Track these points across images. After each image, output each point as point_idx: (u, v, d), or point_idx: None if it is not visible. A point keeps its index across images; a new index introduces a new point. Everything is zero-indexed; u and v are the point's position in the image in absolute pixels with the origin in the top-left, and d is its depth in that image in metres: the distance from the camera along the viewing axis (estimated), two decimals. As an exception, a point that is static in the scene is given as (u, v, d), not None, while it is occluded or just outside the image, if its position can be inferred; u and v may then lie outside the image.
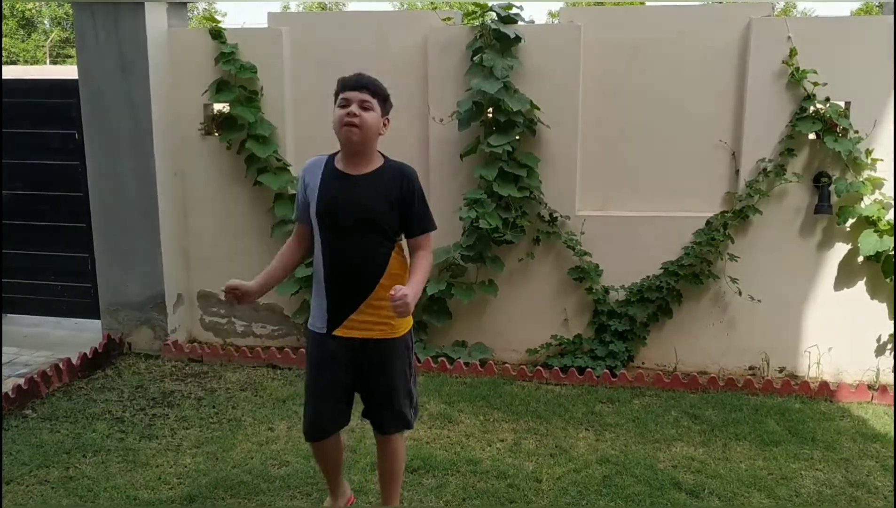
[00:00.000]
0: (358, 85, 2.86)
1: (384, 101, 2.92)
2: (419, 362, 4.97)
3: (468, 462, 3.88)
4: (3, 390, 4.53)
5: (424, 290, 4.93)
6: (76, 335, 5.72)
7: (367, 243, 2.90)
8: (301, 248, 3.11)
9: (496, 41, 4.84)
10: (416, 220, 2.96)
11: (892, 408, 4.49)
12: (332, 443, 3.16)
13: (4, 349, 5.39)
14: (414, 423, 3.20)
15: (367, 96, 2.85)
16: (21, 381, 4.66)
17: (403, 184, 2.92)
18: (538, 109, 4.87)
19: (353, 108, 2.83)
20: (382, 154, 2.98)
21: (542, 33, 4.95)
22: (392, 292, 2.70)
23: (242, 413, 4.48)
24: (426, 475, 3.77)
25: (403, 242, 3.03)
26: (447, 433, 4.22)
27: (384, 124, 2.93)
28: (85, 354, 5.09)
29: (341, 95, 2.88)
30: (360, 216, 2.89)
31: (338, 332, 2.96)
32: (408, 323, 3.05)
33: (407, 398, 3.11)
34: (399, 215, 2.93)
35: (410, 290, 2.74)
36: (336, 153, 2.98)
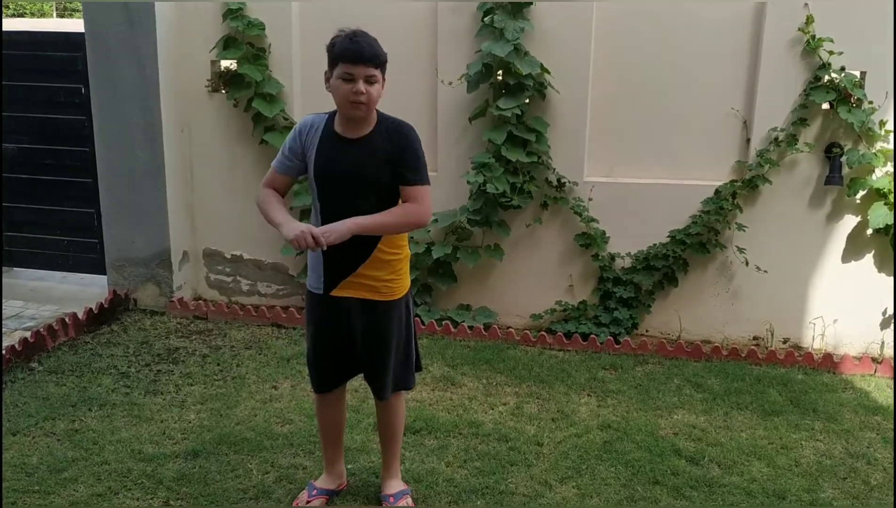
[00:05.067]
0: (361, 59, 2.73)
1: (385, 65, 2.84)
2: (423, 324, 4.99)
3: (470, 425, 3.91)
4: (10, 342, 4.57)
5: (430, 252, 5.01)
6: (82, 290, 5.74)
7: (366, 206, 2.84)
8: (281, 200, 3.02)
9: (508, 3, 4.76)
10: (405, 172, 2.87)
11: (893, 381, 4.50)
12: (335, 398, 3.20)
13: (11, 302, 5.42)
14: (415, 382, 3.23)
15: (371, 71, 2.76)
16: (27, 334, 4.69)
17: (397, 139, 2.87)
18: (548, 72, 4.81)
19: (360, 85, 2.74)
20: (378, 111, 2.91)
21: (554, -5, 4.87)
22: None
23: (247, 371, 4.51)
24: (428, 436, 3.80)
25: None
26: (450, 396, 4.24)
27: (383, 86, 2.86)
28: (91, 309, 5.12)
29: (344, 69, 2.75)
30: (359, 181, 2.85)
31: (334, 293, 2.97)
32: (405, 286, 3.05)
33: (405, 361, 3.12)
34: (391, 170, 2.87)
35: (345, 226, 2.73)
36: (334, 113, 2.92)
